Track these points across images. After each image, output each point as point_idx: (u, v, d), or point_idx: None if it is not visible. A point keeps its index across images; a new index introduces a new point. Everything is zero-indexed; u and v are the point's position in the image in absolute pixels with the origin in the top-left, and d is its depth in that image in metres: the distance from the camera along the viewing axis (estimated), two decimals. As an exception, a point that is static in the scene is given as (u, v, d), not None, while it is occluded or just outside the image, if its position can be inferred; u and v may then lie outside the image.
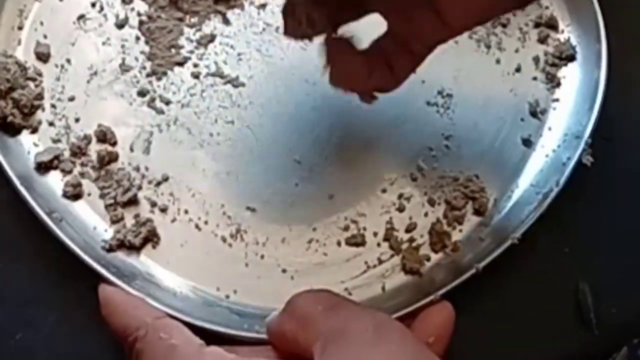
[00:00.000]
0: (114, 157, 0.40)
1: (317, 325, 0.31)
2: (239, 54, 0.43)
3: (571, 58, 0.45)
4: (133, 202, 0.39)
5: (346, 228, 0.40)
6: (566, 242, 0.40)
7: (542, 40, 0.45)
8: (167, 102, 0.42)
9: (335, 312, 0.31)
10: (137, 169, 0.40)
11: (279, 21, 0.44)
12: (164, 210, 0.39)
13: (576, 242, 0.40)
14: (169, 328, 0.34)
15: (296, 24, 0.35)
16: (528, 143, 0.42)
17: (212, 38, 0.44)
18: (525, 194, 0.40)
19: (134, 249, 0.38)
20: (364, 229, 0.40)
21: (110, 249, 0.38)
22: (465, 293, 0.37)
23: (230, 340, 0.35)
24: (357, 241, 0.39)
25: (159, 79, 0.43)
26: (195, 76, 0.43)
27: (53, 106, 0.41)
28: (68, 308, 0.38)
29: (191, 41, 0.44)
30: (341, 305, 0.32)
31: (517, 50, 0.45)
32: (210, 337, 0.35)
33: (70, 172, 0.40)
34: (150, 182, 0.40)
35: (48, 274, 0.38)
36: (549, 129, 0.42)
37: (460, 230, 0.39)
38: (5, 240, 0.39)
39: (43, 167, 0.39)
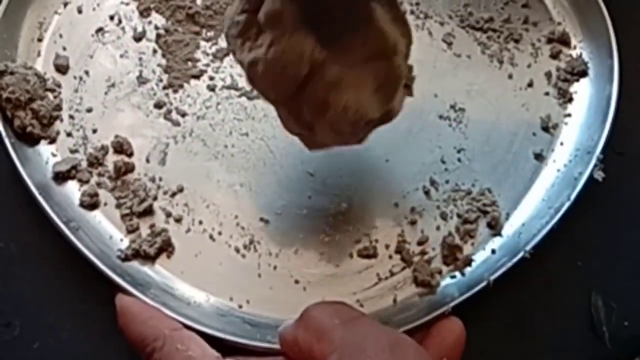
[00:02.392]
0: (130, 168, 0.41)
1: (334, 338, 0.31)
2: (254, 67, 0.44)
3: (583, 74, 0.45)
4: (148, 212, 0.40)
5: (358, 240, 0.40)
6: (579, 256, 0.40)
7: (555, 55, 0.46)
8: (183, 114, 0.43)
9: (352, 327, 0.31)
10: (153, 179, 0.41)
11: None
12: (178, 220, 0.40)
13: (589, 256, 0.40)
14: (186, 339, 0.34)
15: None
16: (540, 157, 0.42)
17: (228, 52, 0.44)
18: (537, 208, 0.40)
19: (149, 258, 0.39)
20: (376, 241, 0.40)
21: (125, 258, 0.38)
22: (478, 306, 0.37)
23: (242, 350, 0.36)
24: (369, 253, 0.39)
25: (175, 91, 0.43)
26: (211, 89, 0.44)
27: (71, 117, 0.42)
28: (85, 317, 0.38)
29: (207, 54, 0.44)
30: (358, 320, 0.32)
31: (529, 66, 0.46)
32: (224, 347, 0.35)
33: (87, 182, 0.40)
34: (165, 193, 0.41)
35: (66, 283, 0.39)
36: (561, 143, 0.43)
37: (472, 244, 0.40)
38: (23, 249, 0.39)
39: (61, 177, 0.40)
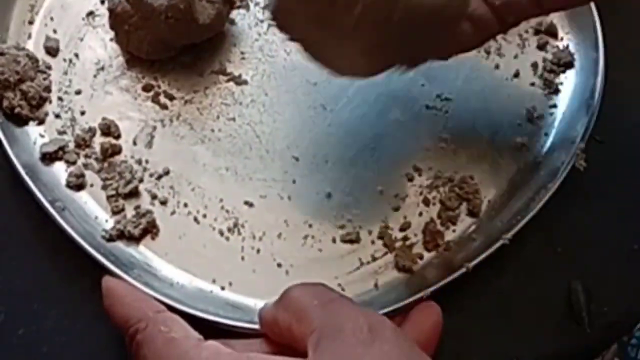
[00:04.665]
0: (117, 150, 0.41)
1: (312, 319, 0.31)
2: (242, 53, 0.44)
3: (569, 65, 0.45)
4: (134, 194, 0.40)
5: (342, 225, 0.40)
6: (559, 242, 0.40)
7: (541, 47, 0.46)
8: (171, 98, 0.43)
9: (331, 308, 0.32)
10: (139, 162, 0.41)
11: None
12: (164, 202, 0.40)
13: (569, 242, 0.40)
14: (169, 321, 0.35)
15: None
16: (523, 147, 0.43)
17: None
18: (519, 196, 0.40)
19: (134, 239, 0.39)
20: (359, 226, 0.40)
21: (110, 239, 0.39)
22: (460, 291, 0.38)
23: (224, 332, 0.36)
24: (351, 238, 0.40)
25: (163, 75, 0.44)
26: (199, 74, 0.44)
27: (60, 99, 0.42)
28: (70, 304, 0.38)
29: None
30: (337, 301, 0.33)
31: (516, 57, 0.46)
32: (206, 329, 0.36)
33: (74, 163, 0.41)
34: (151, 175, 0.41)
35: (51, 271, 0.39)
36: (545, 134, 0.43)
37: (454, 230, 0.40)
38: (8, 236, 0.40)
39: (48, 158, 0.41)
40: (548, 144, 0.42)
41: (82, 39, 0.44)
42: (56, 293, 0.39)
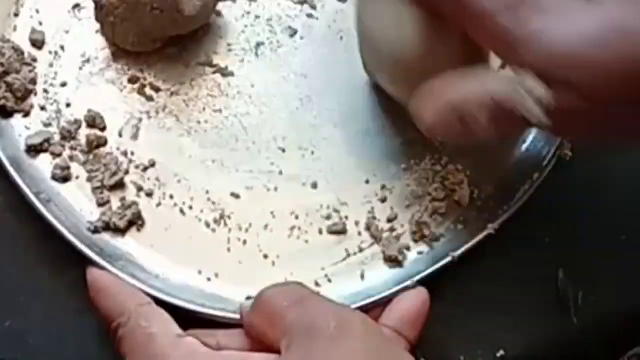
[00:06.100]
0: (102, 142, 0.41)
1: (283, 322, 0.32)
2: (228, 45, 0.44)
3: (557, 56, 0.45)
4: (120, 185, 0.40)
5: (328, 216, 0.40)
6: (546, 232, 0.40)
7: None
8: (157, 90, 0.43)
9: (300, 308, 0.32)
10: (125, 154, 0.41)
11: (270, 13, 0.45)
12: (149, 194, 0.40)
13: (556, 232, 0.40)
14: (151, 316, 0.35)
15: None
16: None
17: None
18: (506, 187, 0.40)
19: (119, 231, 0.39)
20: (346, 217, 0.40)
21: (95, 231, 0.39)
22: (446, 280, 0.38)
23: (210, 322, 0.36)
24: (338, 229, 0.40)
25: (149, 67, 0.43)
26: (185, 65, 0.44)
27: (45, 91, 0.42)
28: (56, 297, 0.38)
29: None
30: (307, 299, 0.33)
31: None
32: (192, 320, 0.36)
33: (59, 155, 0.41)
34: (137, 167, 0.41)
35: (36, 264, 0.39)
36: (532, 124, 0.43)
37: (441, 222, 0.40)
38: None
39: (33, 150, 0.40)
40: (534, 133, 0.42)
41: (67, 32, 0.44)
42: (42, 286, 0.39)
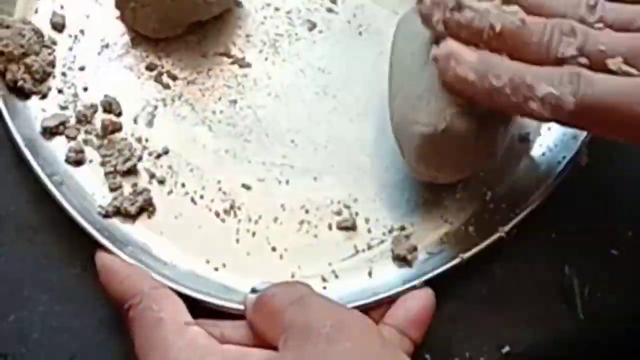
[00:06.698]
0: (117, 127, 0.41)
1: (282, 321, 0.32)
2: (247, 36, 0.44)
3: (577, 60, 0.45)
4: (132, 171, 0.40)
5: (339, 212, 0.40)
6: (553, 228, 0.40)
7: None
8: (174, 78, 0.43)
9: (298, 307, 0.32)
10: (139, 140, 0.41)
11: (290, 5, 0.45)
12: (161, 182, 0.40)
13: (563, 229, 0.40)
14: (163, 300, 0.35)
15: None
16: (526, 140, 0.42)
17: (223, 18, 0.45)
18: (518, 189, 0.40)
19: (130, 217, 0.39)
20: (356, 214, 0.40)
21: (106, 215, 0.39)
22: (453, 278, 0.38)
23: (216, 312, 0.36)
24: (348, 225, 0.40)
25: (167, 55, 0.43)
26: (203, 55, 0.44)
27: (63, 74, 0.42)
28: (61, 290, 0.38)
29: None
30: (306, 298, 0.33)
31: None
32: (198, 309, 0.36)
33: (74, 138, 0.41)
34: (150, 154, 0.41)
35: (42, 256, 0.39)
36: (548, 128, 0.42)
37: (451, 223, 0.40)
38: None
39: (48, 132, 0.41)
40: (551, 137, 0.41)
41: (88, 16, 0.44)
42: (47, 278, 0.39)
